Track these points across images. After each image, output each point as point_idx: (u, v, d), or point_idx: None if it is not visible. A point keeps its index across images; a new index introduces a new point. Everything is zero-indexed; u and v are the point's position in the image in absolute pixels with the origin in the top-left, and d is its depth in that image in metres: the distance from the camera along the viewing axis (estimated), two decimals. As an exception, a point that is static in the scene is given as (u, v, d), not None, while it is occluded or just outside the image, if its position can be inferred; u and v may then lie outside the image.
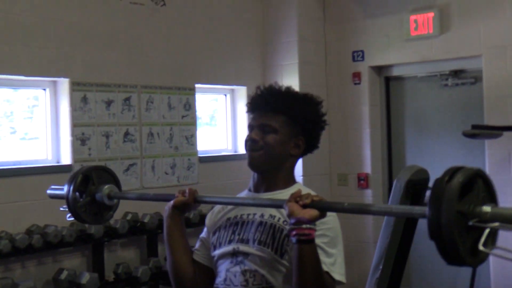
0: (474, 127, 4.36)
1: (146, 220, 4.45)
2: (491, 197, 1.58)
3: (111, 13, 4.57)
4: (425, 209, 1.57)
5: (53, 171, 4.23)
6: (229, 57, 5.48)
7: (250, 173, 6.44)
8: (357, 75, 5.71)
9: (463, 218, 1.50)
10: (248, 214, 2.12)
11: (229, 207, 2.20)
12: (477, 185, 1.55)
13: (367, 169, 5.69)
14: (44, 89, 4.38)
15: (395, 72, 5.67)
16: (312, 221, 1.80)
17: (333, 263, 1.94)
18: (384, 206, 1.89)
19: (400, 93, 5.74)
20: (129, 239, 4.56)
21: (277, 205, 1.97)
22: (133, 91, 4.68)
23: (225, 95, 5.72)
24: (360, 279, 4.97)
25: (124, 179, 4.53)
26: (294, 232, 1.81)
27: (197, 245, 2.27)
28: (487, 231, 1.48)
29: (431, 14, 5.22)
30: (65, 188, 2.38)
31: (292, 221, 1.81)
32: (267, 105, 2.11)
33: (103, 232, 4.18)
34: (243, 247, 2.06)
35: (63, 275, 3.95)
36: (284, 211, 1.91)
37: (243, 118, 5.67)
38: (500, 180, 4.90)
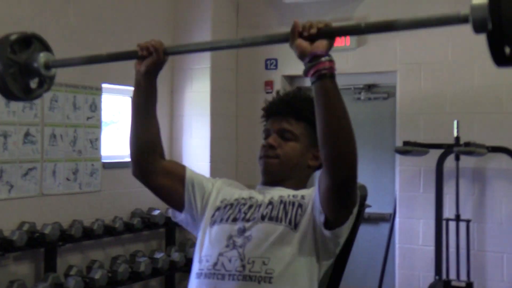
0: (406, 143, 4.34)
1: (46, 231, 4.02)
2: None
3: (14, 1, 4.12)
4: (466, 13, 1.40)
5: None
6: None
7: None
8: (269, 84, 5.59)
9: None
10: (258, 198, 1.89)
11: (241, 188, 2.00)
12: None
13: (276, 181, 5.55)
14: None
15: (308, 82, 5.54)
16: (328, 51, 1.59)
17: None
18: (410, 18, 1.57)
19: (312, 104, 5.67)
20: (24, 253, 4.10)
21: (278, 39, 1.73)
22: (36, 87, 4.23)
23: (130, 97, 5.36)
24: None
25: (21, 185, 4.12)
26: (312, 70, 1.59)
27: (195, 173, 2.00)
28: None
29: (348, 27, 5.18)
30: None
31: (307, 59, 1.59)
32: (289, 109, 1.92)
33: (-2, 244, 3.73)
34: (249, 224, 1.82)
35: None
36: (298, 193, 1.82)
37: (149, 123, 5.36)
38: (410, 196, 4.99)
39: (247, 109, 5.67)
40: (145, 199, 5.09)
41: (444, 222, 4.46)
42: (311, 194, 1.81)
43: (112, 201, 4.81)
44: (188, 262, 4.60)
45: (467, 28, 5.00)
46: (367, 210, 5.48)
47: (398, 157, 5.02)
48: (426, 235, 4.89)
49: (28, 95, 2.05)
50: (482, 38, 5.10)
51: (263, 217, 1.81)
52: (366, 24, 1.58)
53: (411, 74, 5.03)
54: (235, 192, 1.95)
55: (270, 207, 1.84)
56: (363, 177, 5.57)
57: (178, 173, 1.94)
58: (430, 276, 4.69)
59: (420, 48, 4.99)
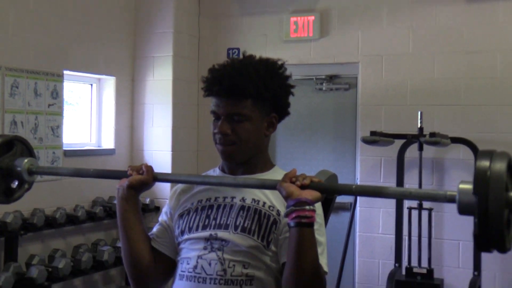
0: (373, 133, 4.38)
1: (8, 220, 3.91)
2: None
3: (-25, -18, 3.99)
4: (454, 194, 1.49)
5: None
6: (99, 45, 5.06)
7: (115, 168, 5.95)
8: (231, 73, 5.55)
9: (509, 205, 1.42)
10: (225, 197, 1.85)
11: (198, 187, 1.91)
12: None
13: (237, 170, 5.54)
14: None
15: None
16: (314, 202, 1.61)
17: (322, 253, 1.73)
18: (399, 189, 1.69)
19: (273, 94, 5.66)
20: (-16, 242, 4.00)
21: (268, 185, 1.72)
22: (-3, 73, 4.11)
23: (91, 84, 5.27)
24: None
25: (-19, 173, 3.98)
26: (294, 215, 1.60)
27: (156, 229, 1.95)
28: None
29: (311, 18, 5.21)
30: None
31: (292, 202, 1.60)
32: (232, 91, 1.82)
33: (-42, 233, 3.61)
34: (222, 233, 1.79)
35: None
36: (272, 196, 1.77)
37: (109, 110, 5.28)
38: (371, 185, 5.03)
39: (209, 98, 5.63)
40: (106, 188, 5.02)
41: (406, 210, 4.53)
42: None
43: (73, 190, 4.72)
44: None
45: (428, 23, 5.09)
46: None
47: (359, 147, 5.08)
48: (385, 223, 4.98)
49: (9, 197, 2.04)
50: (441, 33, 5.18)
51: (236, 227, 1.78)
52: (356, 186, 1.72)
53: (372, 66, 5.08)
54: (194, 197, 1.91)
55: (242, 214, 1.80)
56: (324, 166, 5.61)
57: (167, 260, 1.91)
58: (390, 264, 4.78)
59: (381, 40, 5.06)
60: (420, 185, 4.49)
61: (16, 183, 2.07)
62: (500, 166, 1.40)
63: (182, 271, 1.82)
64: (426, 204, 4.48)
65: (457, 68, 4.82)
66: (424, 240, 4.53)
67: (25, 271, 3.97)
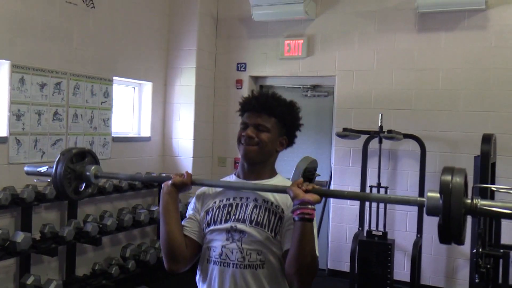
0: (345, 129, 4.44)
1: (70, 188, 3.99)
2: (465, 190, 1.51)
3: (49, 9, 4.04)
4: (424, 200, 1.49)
5: (-11, 141, 3.65)
6: (140, 58, 5.12)
7: (150, 152, 5.98)
8: (239, 82, 5.62)
9: (466, 210, 1.46)
10: (241, 198, 1.86)
11: (218, 190, 1.92)
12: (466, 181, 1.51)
13: (243, 154, 5.60)
14: (-18, 68, 3.77)
15: (269, 82, 5.66)
16: (315, 203, 1.64)
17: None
18: (381, 195, 1.68)
19: (270, 98, 5.70)
20: (53, 203, 4.07)
21: (280, 190, 1.75)
22: (64, 77, 4.17)
23: (134, 87, 5.33)
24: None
25: (51, 152, 4.07)
26: (299, 211, 1.62)
27: (185, 221, 1.93)
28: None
29: (301, 41, 5.26)
30: (57, 159, 1.97)
31: (298, 202, 1.63)
32: (263, 108, 1.85)
33: (34, 196, 3.68)
34: (240, 226, 1.80)
35: (-4, 234, 3.41)
36: (278, 197, 1.78)
37: (147, 107, 5.35)
38: (342, 169, 5.10)
39: (222, 100, 5.71)
40: (144, 165, 5.09)
41: (368, 188, 4.59)
42: (288, 214, 1.77)
43: (119, 166, 4.79)
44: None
45: (388, 46, 5.09)
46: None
47: (334, 139, 5.14)
48: (352, 197, 5.03)
49: (77, 195, 2.05)
50: (398, 55, 5.18)
51: (251, 222, 1.79)
52: (348, 192, 1.67)
53: (346, 79, 5.14)
54: (216, 197, 1.90)
55: (256, 211, 1.81)
56: (307, 153, 5.64)
57: (195, 244, 1.88)
58: (355, 227, 4.85)
59: (353, 59, 5.11)
60: (379, 169, 4.55)
61: (83, 186, 2.06)
62: (459, 179, 1.44)
63: (210, 256, 1.82)
64: (383, 184, 4.55)
65: (409, 81, 4.87)
66: (381, 211, 4.61)
67: (82, 226, 4.06)
